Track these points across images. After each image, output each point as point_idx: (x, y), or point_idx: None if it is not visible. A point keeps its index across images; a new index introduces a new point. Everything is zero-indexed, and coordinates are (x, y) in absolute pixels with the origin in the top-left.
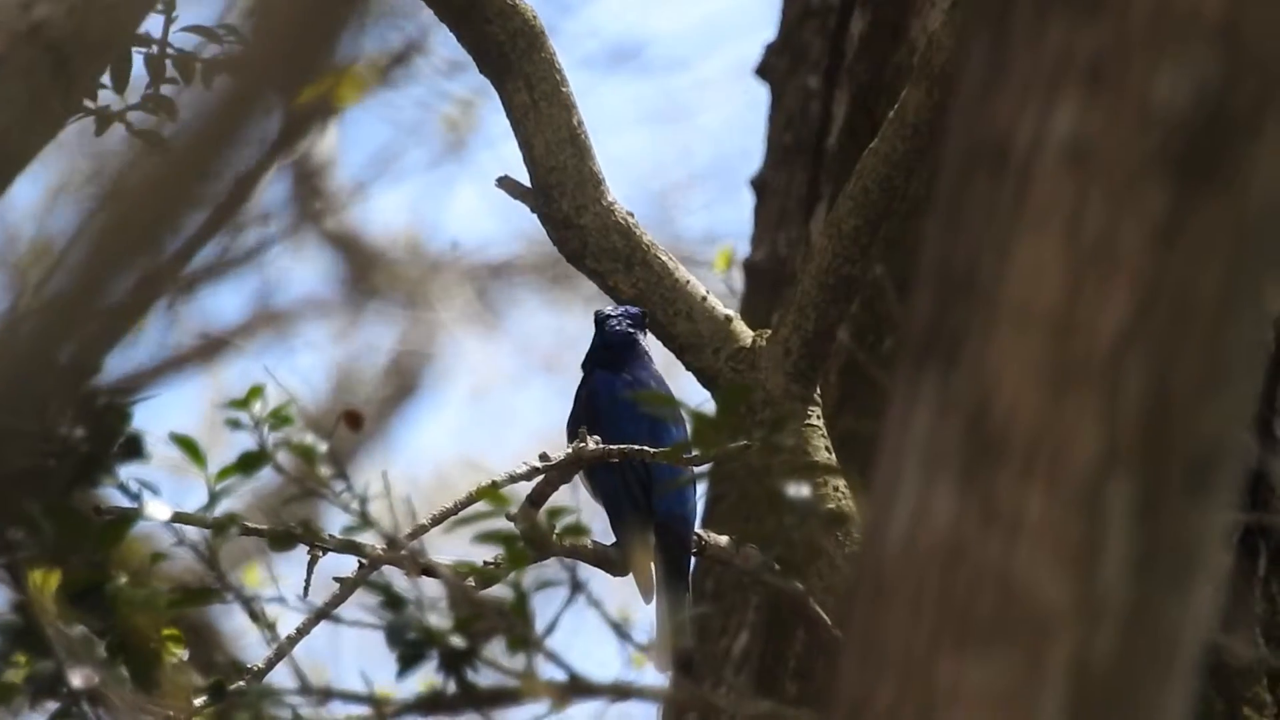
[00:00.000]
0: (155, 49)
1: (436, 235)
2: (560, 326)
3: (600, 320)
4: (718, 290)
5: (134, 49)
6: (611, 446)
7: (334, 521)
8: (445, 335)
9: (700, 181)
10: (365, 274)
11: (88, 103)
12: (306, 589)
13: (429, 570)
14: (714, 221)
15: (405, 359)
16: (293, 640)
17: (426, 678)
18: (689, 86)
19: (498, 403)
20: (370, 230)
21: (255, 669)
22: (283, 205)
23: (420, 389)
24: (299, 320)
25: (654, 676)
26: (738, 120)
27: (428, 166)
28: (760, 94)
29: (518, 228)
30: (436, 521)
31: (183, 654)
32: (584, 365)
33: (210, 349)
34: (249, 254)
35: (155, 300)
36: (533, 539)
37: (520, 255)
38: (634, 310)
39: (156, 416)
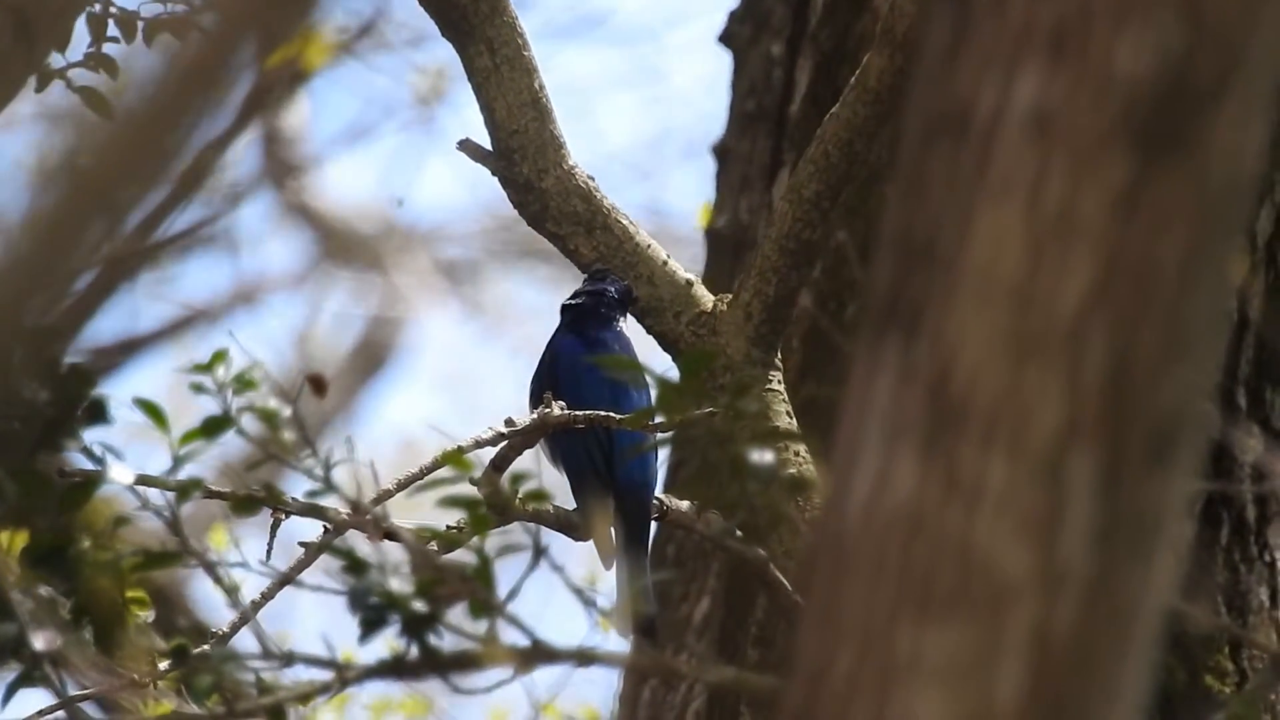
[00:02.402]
0: (98, 7)
1: (405, 204)
2: (527, 296)
3: (596, 290)
4: (697, 251)
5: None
6: (576, 412)
7: (297, 486)
8: (411, 305)
9: (664, 147)
10: (333, 243)
11: None
12: (269, 553)
13: (392, 535)
14: (678, 187)
15: (374, 330)
16: (257, 605)
17: (388, 642)
18: (653, 53)
19: (463, 373)
20: (338, 200)
21: (219, 633)
22: (251, 174)
23: (389, 360)
24: (267, 290)
25: (617, 642)
26: (701, 87)
27: (396, 136)
28: (723, 61)
29: (484, 197)
30: (401, 486)
31: (146, 616)
32: (562, 314)
33: (178, 320)
34: (217, 223)
35: (123, 271)
36: (496, 504)
37: (487, 224)
38: (623, 287)
39: (121, 384)
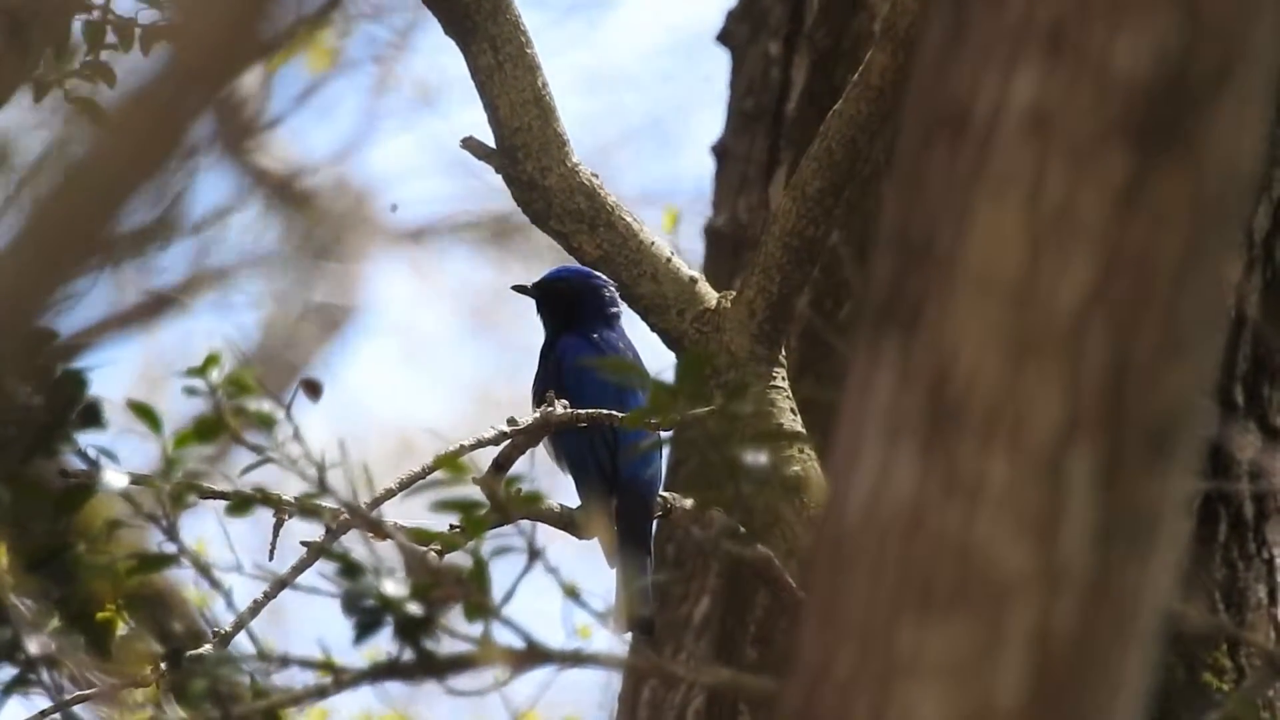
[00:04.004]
0: (96, 15)
1: (366, 181)
2: (489, 275)
3: (596, 286)
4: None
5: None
6: (579, 411)
7: (282, 482)
8: (373, 283)
9: (660, 146)
10: (288, 206)
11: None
12: (272, 553)
13: (389, 537)
14: (672, 186)
15: (329, 307)
16: (254, 608)
17: (383, 644)
18: (651, 52)
19: (427, 352)
20: (294, 162)
21: (217, 633)
22: (206, 139)
23: (346, 323)
24: (234, 271)
25: (611, 642)
26: (699, 86)
27: (359, 110)
28: (722, 60)
29: (448, 172)
30: (403, 487)
31: (132, 623)
32: (552, 320)
33: (150, 306)
34: (183, 206)
35: (100, 260)
36: (499, 504)
37: (451, 202)
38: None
39: (97, 375)
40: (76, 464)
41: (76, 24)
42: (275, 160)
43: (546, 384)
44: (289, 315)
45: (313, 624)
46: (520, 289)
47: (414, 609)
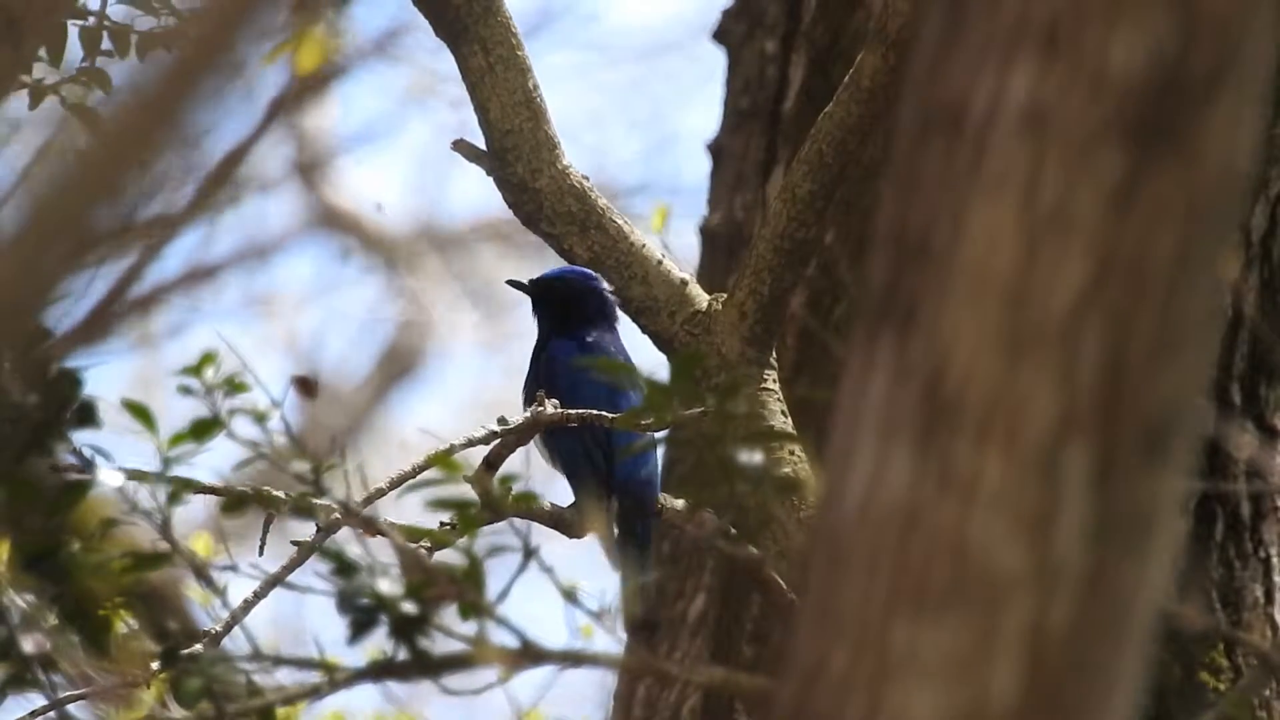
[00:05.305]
0: (92, 21)
1: (430, 206)
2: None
3: (594, 289)
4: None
5: (70, 21)
6: (570, 411)
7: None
8: (438, 310)
9: (656, 145)
10: (358, 245)
11: (22, 76)
12: (262, 549)
13: (383, 534)
14: (667, 184)
15: (400, 336)
16: (246, 606)
17: (379, 644)
18: (647, 50)
19: (490, 379)
20: (363, 200)
21: (211, 633)
22: (278, 173)
23: (415, 367)
24: (287, 288)
25: (607, 642)
26: (695, 85)
27: (423, 136)
28: (718, 58)
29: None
30: (393, 486)
31: (131, 621)
32: (547, 319)
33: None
34: (237, 211)
35: (100, 258)
36: (489, 502)
37: (509, 226)
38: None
39: (113, 382)
40: (72, 462)
41: (73, 30)
42: (339, 191)
43: (537, 385)
44: (350, 340)
45: (332, 626)
46: (516, 284)
47: (409, 608)
